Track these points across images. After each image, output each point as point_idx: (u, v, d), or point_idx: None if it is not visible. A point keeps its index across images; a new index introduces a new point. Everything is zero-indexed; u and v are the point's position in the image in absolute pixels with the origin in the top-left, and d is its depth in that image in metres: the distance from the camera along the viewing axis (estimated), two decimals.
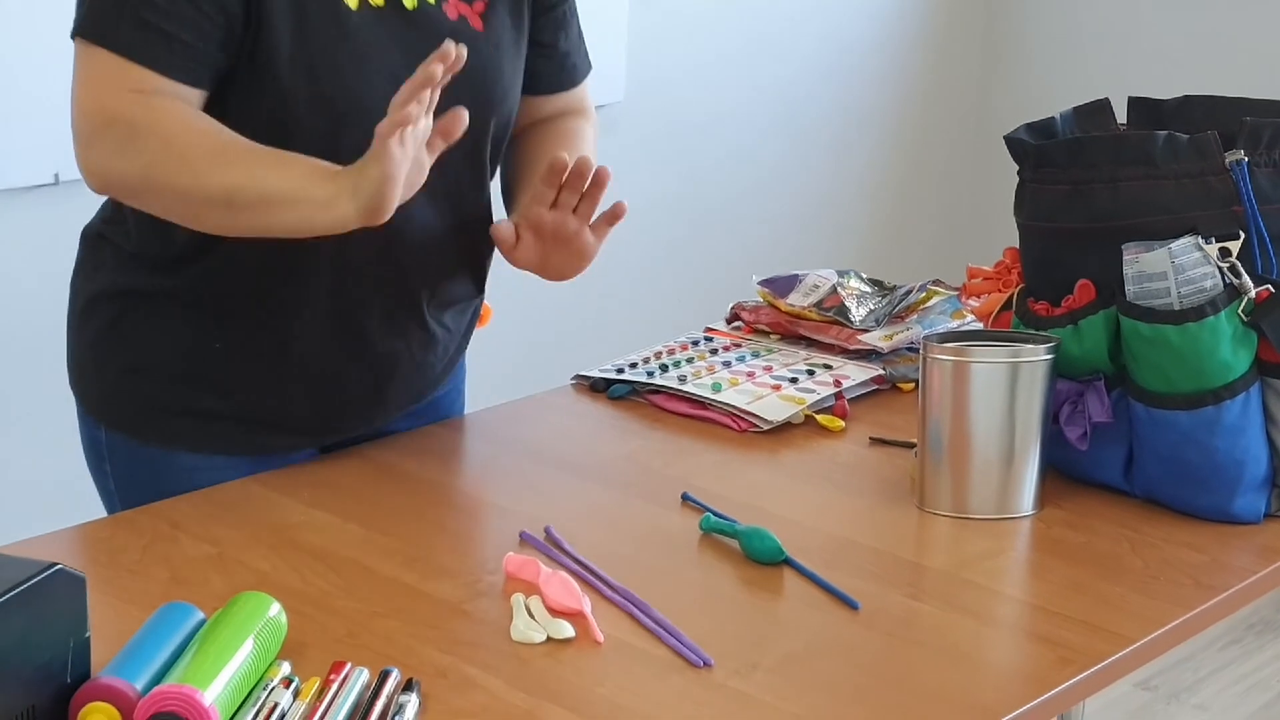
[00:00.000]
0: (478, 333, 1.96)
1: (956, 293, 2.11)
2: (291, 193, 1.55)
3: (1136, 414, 1.64)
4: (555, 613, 1.42)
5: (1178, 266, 1.58)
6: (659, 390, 1.96)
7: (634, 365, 2.02)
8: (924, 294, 2.13)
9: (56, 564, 1.18)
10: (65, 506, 1.93)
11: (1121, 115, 1.82)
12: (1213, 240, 1.58)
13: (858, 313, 2.10)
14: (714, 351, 2.08)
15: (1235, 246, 1.58)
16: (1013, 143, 1.71)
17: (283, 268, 1.69)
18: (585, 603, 1.42)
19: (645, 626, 1.41)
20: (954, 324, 2.08)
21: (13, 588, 1.13)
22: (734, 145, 3.77)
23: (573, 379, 2.04)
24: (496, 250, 1.80)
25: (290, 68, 1.62)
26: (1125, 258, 1.60)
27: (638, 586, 1.47)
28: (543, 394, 2.03)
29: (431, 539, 1.61)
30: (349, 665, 1.28)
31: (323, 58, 1.63)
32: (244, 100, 1.63)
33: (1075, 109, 1.79)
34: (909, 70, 4.11)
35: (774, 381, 1.97)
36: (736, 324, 2.19)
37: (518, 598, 1.44)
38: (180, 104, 1.59)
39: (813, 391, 1.94)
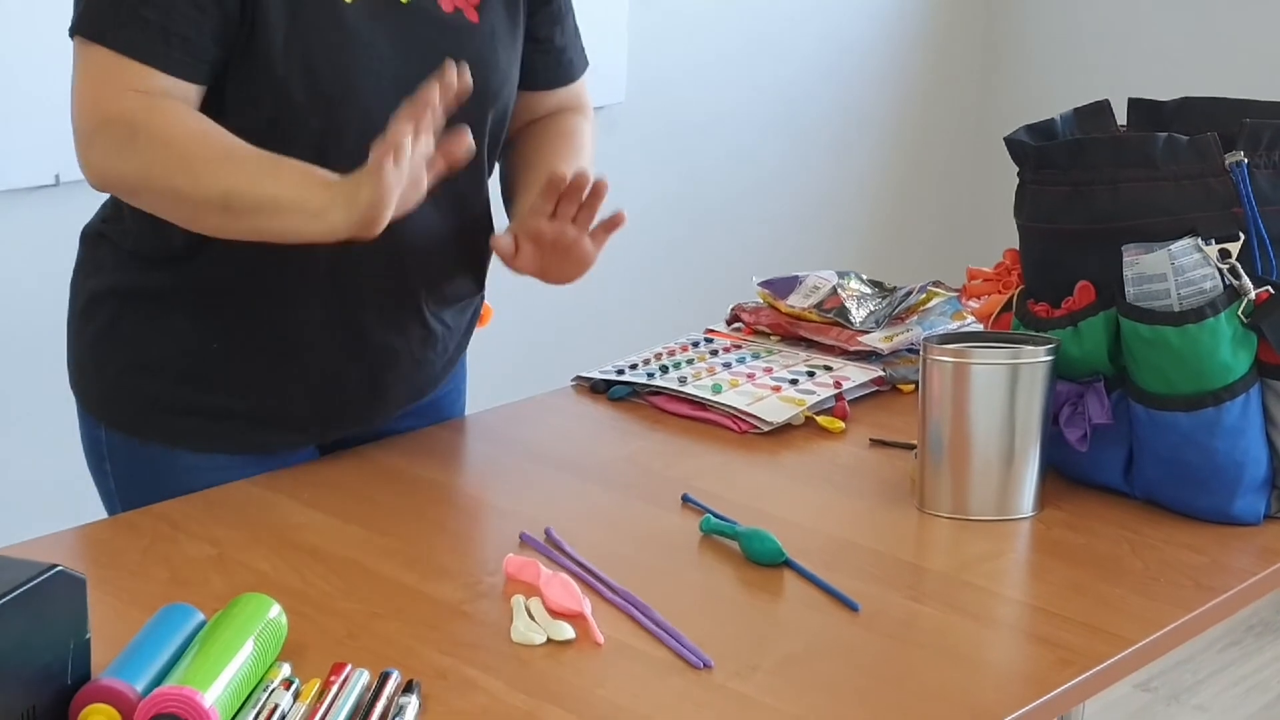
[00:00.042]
0: (478, 333, 1.97)
1: (957, 294, 2.11)
2: (286, 200, 1.55)
3: (1136, 415, 1.64)
4: (555, 614, 1.42)
5: (1178, 268, 1.58)
6: (659, 391, 1.96)
7: (634, 366, 2.03)
8: (924, 295, 2.13)
9: (57, 565, 1.18)
10: (65, 507, 1.93)
11: (1121, 116, 1.82)
12: (1212, 242, 1.59)
13: (858, 314, 2.10)
14: (714, 353, 2.08)
15: (1235, 248, 1.58)
16: (1013, 144, 1.71)
17: (280, 264, 1.69)
18: (585, 604, 1.42)
19: (645, 628, 1.41)
20: (954, 325, 2.08)
21: (13, 589, 1.13)
22: (734, 146, 3.77)
23: (573, 380, 2.04)
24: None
25: (285, 61, 1.62)
26: (1125, 259, 1.61)
27: (638, 588, 1.47)
28: (543, 395, 2.03)
29: (432, 540, 1.61)
30: (349, 666, 1.28)
31: (317, 50, 1.63)
32: (240, 94, 1.64)
33: (1075, 110, 1.79)
34: (909, 71, 4.11)
35: (774, 383, 1.97)
36: (737, 325, 2.19)
37: (518, 599, 1.44)
38: (180, 105, 1.60)
39: (813, 393, 1.94)
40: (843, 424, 1.89)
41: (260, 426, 1.78)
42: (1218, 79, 2.80)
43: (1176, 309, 1.58)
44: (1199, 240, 1.58)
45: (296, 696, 1.24)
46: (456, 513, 1.75)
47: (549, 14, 1.85)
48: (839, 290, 2.13)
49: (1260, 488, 1.63)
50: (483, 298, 1.93)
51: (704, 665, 1.35)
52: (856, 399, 1.97)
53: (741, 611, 1.50)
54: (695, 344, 2.11)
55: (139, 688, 1.19)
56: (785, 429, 1.88)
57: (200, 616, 1.32)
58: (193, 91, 1.61)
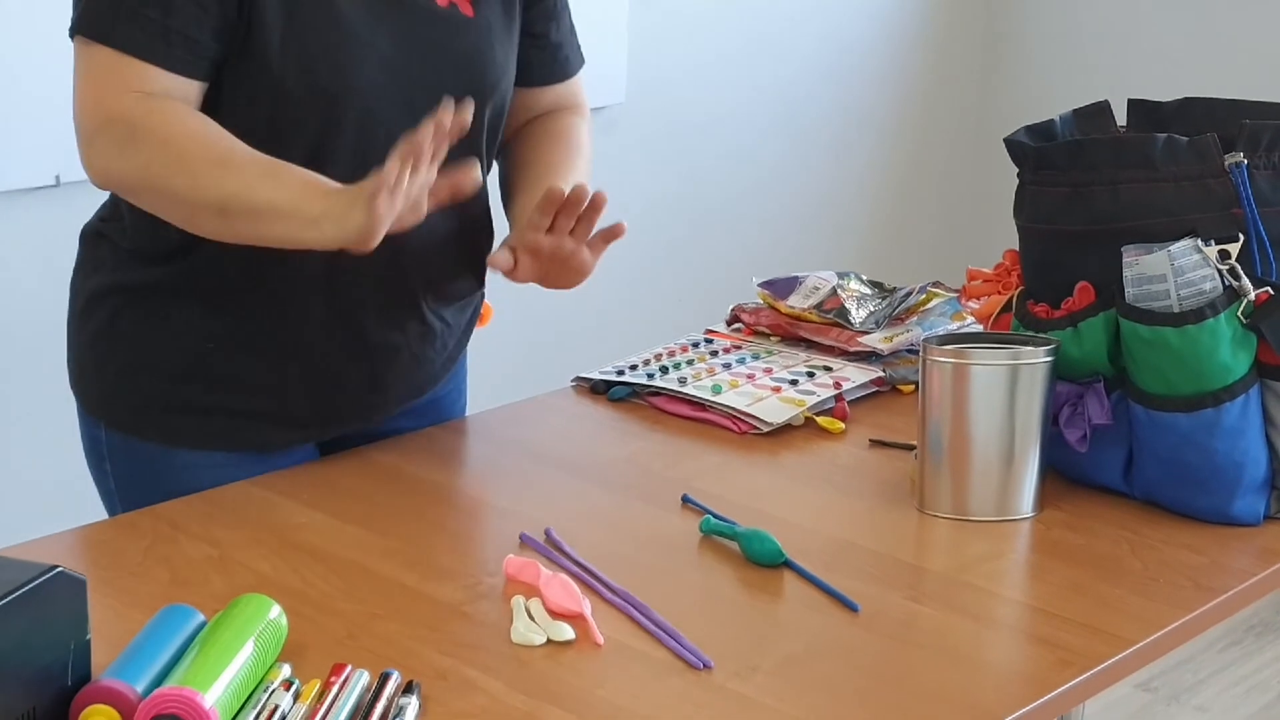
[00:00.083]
0: (478, 333, 1.97)
1: (956, 295, 2.11)
2: (283, 206, 1.56)
3: (1136, 416, 1.64)
4: (555, 615, 1.42)
5: (1177, 269, 1.58)
6: (659, 392, 1.97)
7: (634, 367, 2.03)
8: (924, 296, 2.14)
9: (57, 566, 1.18)
10: (65, 507, 1.94)
11: (1121, 117, 1.82)
12: (1212, 243, 1.59)
13: (858, 315, 2.10)
14: (714, 353, 2.08)
15: (1235, 249, 1.58)
16: (1012, 145, 1.71)
17: (279, 261, 1.69)
18: (585, 605, 1.42)
19: (645, 629, 1.41)
20: (954, 326, 2.08)
21: (13, 590, 1.13)
22: (734, 146, 3.77)
23: (573, 381, 2.04)
24: (496, 243, 1.82)
25: (282, 59, 1.62)
26: (1125, 260, 1.61)
27: (638, 588, 1.47)
28: (543, 395, 2.03)
29: (432, 541, 1.62)
30: (349, 667, 1.29)
31: (314, 48, 1.64)
32: (237, 93, 1.65)
33: (1075, 111, 1.79)
34: (909, 71, 4.11)
35: (774, 383, 1.97)
36: (737, 326, 2.19)
37: (518, 600, 1.44)
38: (181, 106, 1.60)
39: (813, 393, 1.94)
40: (842, 425, 1.90)
41: (259, 424, 1.78)
42: (1218, 79, 2.80)
43: (1176, 310, 1.58)
44: (1198, 241, 1.59)
45: (297, 697, 1.24)
46: (456, 513, 1.75)
47: (544, 9, 1.86)
48: (839, 291, 2.13)
49: (1260, 488, 1.64)
50: (483, 296, 1.93)
51: (704, 666, 1.35)
52: (856, 399, 1.97)
53: (741, 612, 1.50)
54: (695, 344, 2.12)
55: (139, 688, 1.19)
56: (785, 429, 1.89)
57: (200, 617, 1.32)
58: (195, 89, 1.62)
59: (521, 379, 2.55)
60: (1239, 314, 1.58)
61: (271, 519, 1.63)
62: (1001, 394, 1.62)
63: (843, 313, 2.10)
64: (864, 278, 2.19)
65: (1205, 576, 1.55)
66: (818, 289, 2.14)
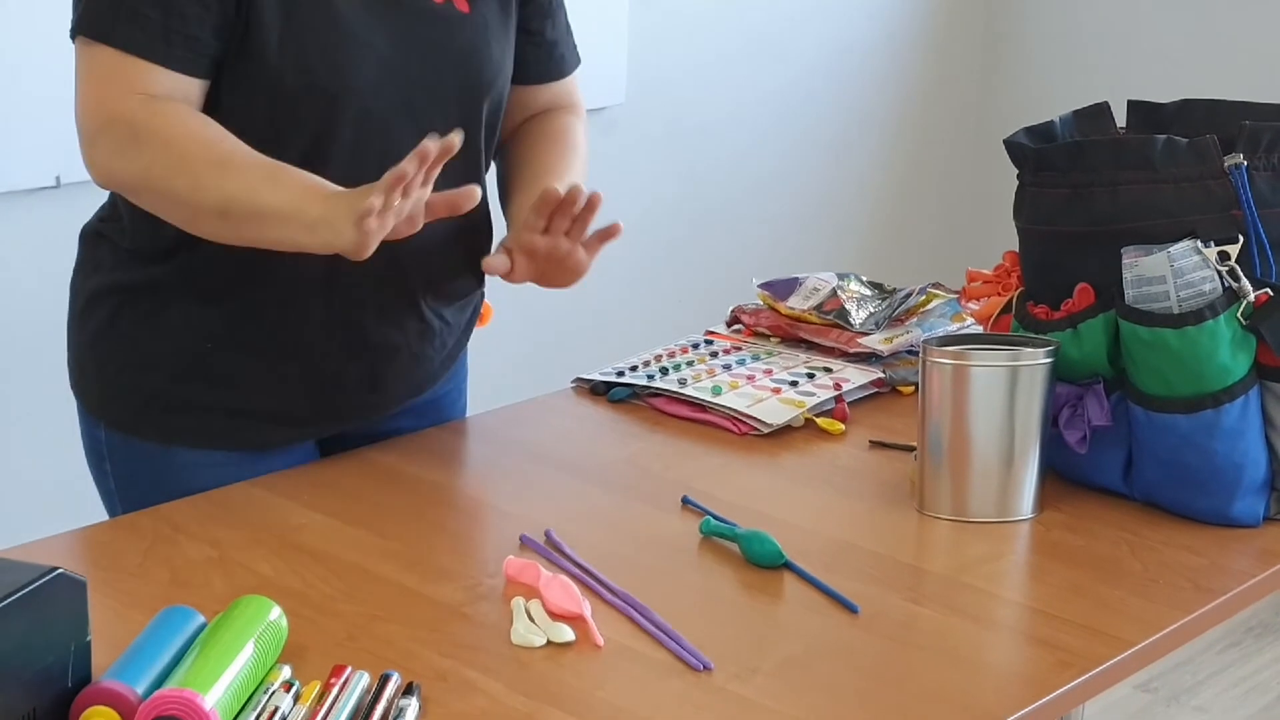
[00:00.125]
0: (478, 333, 1.97)
1: (956, 296, 2.11)
2: (283, 209, 1.57)
3: (1136, 417, 1.64)
4: (555, 616, 1.42)
5: (1177, 270, 1.58)
6: (659, 393, 1.97)
7: (634, 368, 2.03)
8: (924, 297, 2.14)
9: (57, 568, 1.18)
10: (66, 508, 1.94)
11: (1121, 119, 1.82)
12: (1212, 244, 1.59)
13: (858, 316, 2.10)
14: (714, 354, 2.08)
15: (1234, 250, 1.58)
16: (1012, 147, 1.72)
17: (276, 259, 1.69)
18: (585, 606, 1.42)
19: (645, 630, 1.41)
20: (954, 327, 2.08)
21: (14, 592, 1.14)
22: (734, 147, 3.77)
23: (573, 382, 2.04)
24: (494, 242, 1.82)
25: (279, 53, 1.63)
26: (1124, 261, 1.61)
27: (638, 590, 1.47)
28: (543, 397, 2.03)
29: (432, 542, 1.62)
30: (349, 669, 1.29)
31: (311, 46, 1.64)
32: (235, 92, 1.65)
33: (1075, 112, 1.79)
34: (909, 72, 4.11)
35: (774, 385, 1.97)
36: (737, 327, 2.19)
37: (518, 601, 1.44)
38: (182, 107, 1.61)
39: (813, 394, 1.94)
40: (842, 426, 1.90)
41: (258, 422, 1.78)
42: (1218, 80, 2.80)
43: (1176, 311, 1.58)
44: (1198, 243, 1.59)
45: (297, 699, 1.24)
46: (456, 514, 1.76)
47: (539, 6, 1.87)
48: (839, 292, 2.13)
49: (1259, 490, 1.64)
50: (483, 295, 1.93)
51: (704, 667, 1.35)
52: (856, 401, 1.97)
53: (741, 613, 1.50)
54: (695, 346, 2.12)
55: (140, 690, 1.19)
56: (785, 431, 1.89)
57: (201, 619, 1.32)
58: (196, 87, 1.63)
59: (521, 380, 2.54)
60: (1238, 315, 1.59)
61: (272, 520, 1.63)
62: (1001, 395, 1.62)
63: (843, 314, 2.10)
64: (864, 279, 2.19)
65: (1205, 578, 1.55)
66: (818, 290, 2.14)
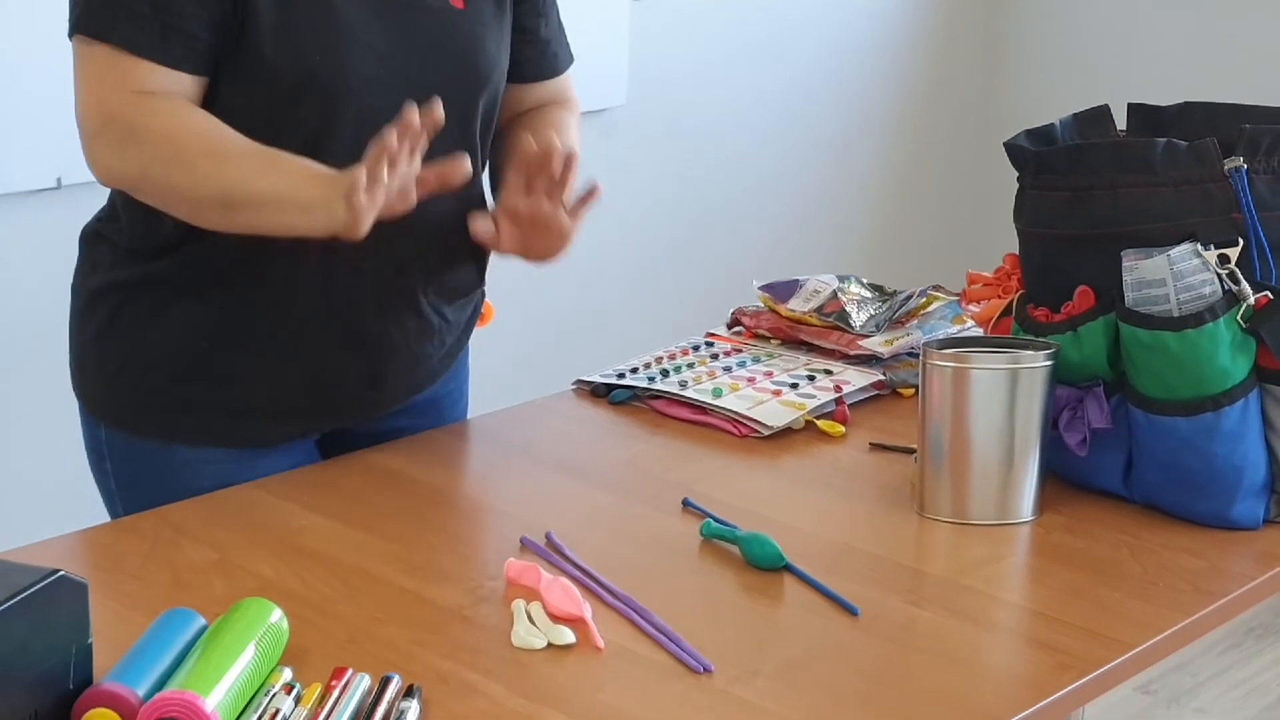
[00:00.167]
0: (478, 334, 1.97)
1: (957, 298, 2.11)
2: (281, 194, 1.59)
3: (1136, 420, 1.65)
4: (556, 618, 1.42)
5: (1177, 273, 1.58)
6: (660, 395, 1.97)
7: (635, 370, 2.03)
8: (924, 299, 2.14)
9: (59, 570, 1.18)
10: (67, 509, 1.94)
11: (1121, 121, 1.82)
12: (1211, 247, 1.59)
13: (858, 318, 2.10)
14: (715, 357, 2.08)
15: (1234, 253, 1.59)
16: (1013, 149, 1.72)
17: (274, 255, 1.71)
18: (586, 608, 1.42)
19: (645, 632, 1.41)
20: (954, 329, 2.08)
21: (15, 594, 1.14)
22: (735, 148, 3.77)
23: (574, 384, 2.04)
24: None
25: (275, 47, 1.64)
26: (1124, 264, 1.61)
27: (638, 592, 1.47)
28: (544, 399, 2.04)
29: (433, 544, 1.62)
30: (350, 671, 1.29)
31: (308, 40, 1.65)
32: (232, 87, 1.66)
33: (1075, 115, 1.79)
34: (910, 73, 4.11)
35: (774, 387, 1.97)
36: (737, 329, 2.19)
37: (518, 603, 1.44)
38: (179, 102, 1.63)
39: (813, 397, 1.94)
40: (843, 428, 1.90)
41: (258, 419, 1.79)
42: (1219, 82, 2.81)
43: (1176, 314, 1.59)
44: (1198, 245, 1.59)
45: (298, 701, 1.25)
46: (457, 516, 1.76)
47: (533, 5, 1.88)
48: (839, 294, 2.13)
49: (1259, 492, 1.64)
50: (483, 294, 1.94)
51: (704, 670, 1.35)
52: (857, 403, 1.97)
53: (742, 616, 1.50)
54: (696, 348, 2.12)
55: (141, 692, 1.19)
56: (785, 433, 1.89)
57: (202, 621, 1.32)
58: (193, 83, 1.64)
59: (521, 381, 2.55)
60: (1238, 318, 1.59)
61: (272, 522, 1.63)
62: (1001, 398, 1.62)
63: (843, 316, 2.10)
64: (864, 281, 2.20)
65: (1205, 580, 1.55)
66: (818, 292, 2.14)
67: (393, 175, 1.54)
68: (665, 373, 2.01)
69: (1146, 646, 1.43)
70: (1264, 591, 1.58)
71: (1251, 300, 1.59)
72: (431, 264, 1.81)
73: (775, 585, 1.52)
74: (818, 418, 1.91)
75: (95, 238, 1.81)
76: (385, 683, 1.28)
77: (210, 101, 1.66)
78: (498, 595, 1.48)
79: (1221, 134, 1.62)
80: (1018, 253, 1.76)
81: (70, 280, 1.84)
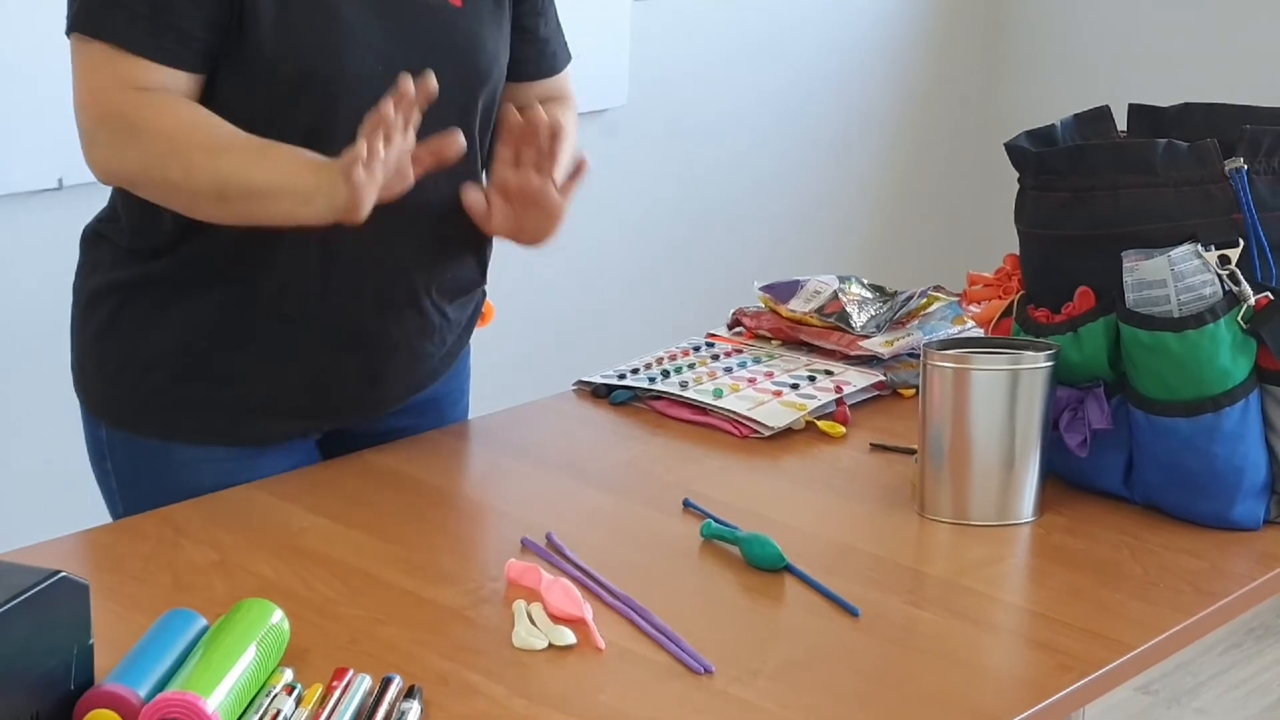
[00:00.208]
0: (479, 334, 1.97)
1: (957, 299, 2.11)
2: (277, 185, 1.60)
3: (1136, 421, 1.65)
4: (557, 619, 1.42)
5: (1177, 274, 1.58)
6: (660, 396, 1.97)
7: (635, 371, 2.03)
8: (925, 300, 2.14)
9: (60, 571, 1.18)
10: (68, 510, 1.94)
11: (1122, 122, 1.82)
12: (1212, 248, 1.59)
13: (859, 318, 2.10)
14: (715, 357, 2.08)
15: (1235, 254, 1.59)
16: (1013, 150, 1.72)
17: (271, 252, 1.71)
18: (587, 609, 1.43)
19: (646, 633, 1.41)
20: (954, 330, 2.08)
21: (16, 595, 1.14)
22: (736, 149, 3.77)
23: (574, 384, 2.04)
24: (494, 241, 1.83)
25: (273, 43, 1.64)
26: (1125, 265, 1.61)
27: (639, 593, 1.47)
28: (545, 399, 2.04)
29: (433, 545, 1.62)
30: (351, 672, 1.29)
31: (305, 32, 1.66)
32: (231, 83, 1.67)
33: (1075, 116, 1.79)
34: (910, 74, 4.11)
35: (775, 387, 1.97)
36: (738, 329, 2.19)
37: (519, 604, 1.44)
38: (175, 98, 1.64)
39: (814, 397, 1.94)
40: (843, 429, 1.90)
41: (258, 417, 1.79)
42: (1219, 82, 2.81)
43: (1176, 315, 1.59)
44: (1199, 246, 1.59)
45: (299, 702, 1.25)
46: (458, 517, 1.76)
47: (531, 5, 1.89)
48: (840, 295, 2.13)
49: (1259, 493, 1.64)
50: (484, 294, 1.94)
51: (705, 670, 1.35)
52: (857, 404, 1.97)
53: (742, 616, 1.50)
54: (696, 348, 2.12)
55: (142, 693, 1.19)
56: (786, 433, 1.89)
57: (203, 622, 1.32)
58: (188, 80, 1.65)
59: (522, 381, 2.55)
60: (1239, 319, 1.59)
61: (274, 523, 1.63)
62: (1002, 399, 1.62)
63: (844, 317, 2.10)
64: (865, 282, 2.20)
65: (1205, 581, 1.55)
66: (819, 293, 2.15)
67: (389, 149, 1.55)
68: (666, 373, 2.01)
69: (1147, 647, 1.43)
70: (1264, 592, 1.58)
71: (1252, 301, 1.59)
72: (432, 261, 1.81)
73: (776, 586, 1.52)
74: (818, 418, 1.91)
75: (96, 238, 1.82)
76: (386, 683, 1.28)
77: (209, 98, 1.66)
78: (498, 596, 1.48)
79: (1222, 135, 1.62)
80: (1018, 253, 1.76)
81: (71, 281, 1.84)
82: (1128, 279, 1.61)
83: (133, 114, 1.62)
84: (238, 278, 1.73)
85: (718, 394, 1.94)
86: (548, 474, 1.79)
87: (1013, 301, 1.75)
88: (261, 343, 1.76)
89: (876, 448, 1.86)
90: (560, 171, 1.73)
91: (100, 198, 1.82)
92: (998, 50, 4.24)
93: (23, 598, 1.14)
